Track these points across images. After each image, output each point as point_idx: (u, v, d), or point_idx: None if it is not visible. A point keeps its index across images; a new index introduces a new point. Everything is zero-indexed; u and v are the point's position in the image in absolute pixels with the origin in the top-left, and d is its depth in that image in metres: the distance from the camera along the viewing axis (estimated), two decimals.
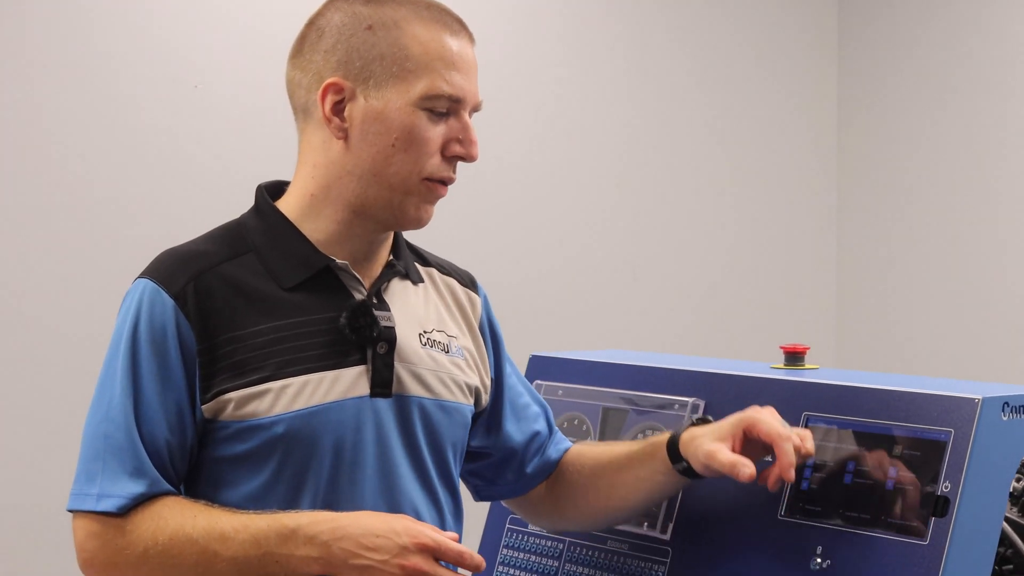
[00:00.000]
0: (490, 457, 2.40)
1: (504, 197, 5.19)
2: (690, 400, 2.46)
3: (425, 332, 2.21)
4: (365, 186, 2.09)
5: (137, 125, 4.39)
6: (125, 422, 2.02)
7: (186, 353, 2.04)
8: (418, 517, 2.15)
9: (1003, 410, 2.11)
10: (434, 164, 2.10)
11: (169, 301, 2.05)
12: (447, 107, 2.10)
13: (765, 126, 5.99)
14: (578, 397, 2.64)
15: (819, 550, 2.19)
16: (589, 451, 2.43)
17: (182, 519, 2.00)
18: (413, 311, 2.21)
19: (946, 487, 2.08)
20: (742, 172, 5.94)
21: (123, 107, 4.37)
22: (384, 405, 2.13)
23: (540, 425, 2.43)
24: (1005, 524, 2.35)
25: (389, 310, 2.15)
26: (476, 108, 2.15)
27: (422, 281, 2.26)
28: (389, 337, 2.13)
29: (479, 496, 2.48)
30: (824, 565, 2.17)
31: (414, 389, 2.17)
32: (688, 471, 2.26)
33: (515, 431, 2.39)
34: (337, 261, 2.13)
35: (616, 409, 2.58)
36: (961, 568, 2.06)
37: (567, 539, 2.53)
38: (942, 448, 2.10)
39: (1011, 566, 2.40)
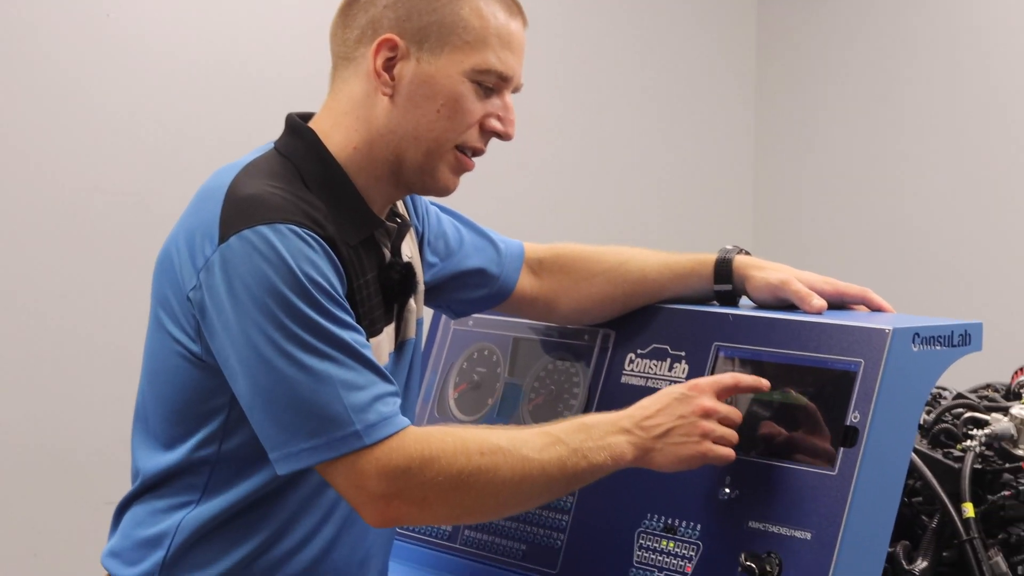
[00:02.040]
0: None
1: None
2: (600, 330, 2.44)
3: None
4: (405, 147, 2.09)
5: (41, 55, 4.28)
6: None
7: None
8: None
9: (913, 341, 2.10)
10: (471, 135, 2.11)
11: (321, 243, 1.97)
12: (494, 83, 2.11)
13: (682, 36, 5.95)
14: (488, 328, 2.61)
15: (728, 480, 2.17)
16: (616, 256, 2.45)
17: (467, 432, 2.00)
18: (413, 260, 2.23)
19: (855, 418, 2.07)
20: (661, 84, 5.89)
21: (27, 35, 4.25)
22: (394, 354, 2.18)
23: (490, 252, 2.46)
24: (914, 456, 2.34)
25: (408, 261, 2.18)
26: (517, 89, 2.16)
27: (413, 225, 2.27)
28: (415, 290, 2.19)
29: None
30: (733, 495, 2.16)
31: (410, 331, 2.21)
32: (727, 294, 2.35)
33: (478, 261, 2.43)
34: (387, 224, 2.14)
35: (526, 340, 2.55)
36: (869, 499, 2.05)
37: None
38: (852, 379, 2.09)
39: (920, 498, 2.40)
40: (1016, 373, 2.72)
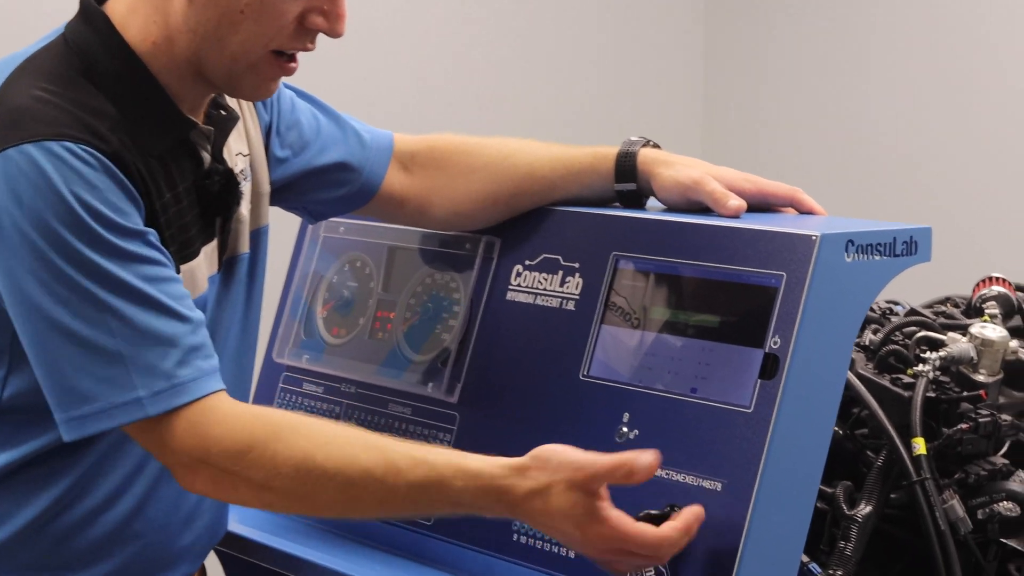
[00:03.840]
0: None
1: None
2: (483, 237, 2.08)
3: (241, 173, 1.93)
4: (206, 51, 1.77)
5: None
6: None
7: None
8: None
9: (847, 250, 1.75)
10: (285, 37, 1.77)
11: (104, 160, 1.65)
12: None
13: None
14: (361, 235, 2.26)
15: (626, 418, 1.83)
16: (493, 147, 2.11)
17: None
18: (234, 159, 1.92)
19: (775, 343, 1.72)
20: None
21: None
22: (220, 275, 1.91)
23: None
24: (858, 383, 2.05)
25: (229, 166, 1.88)
26: None
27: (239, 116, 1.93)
28: (238, 200, 1.89)
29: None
30: (632, 435, 1.82)
31: (242, 246, 1.93)
32: (631, 195, 2.01)
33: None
34: (201, 126, 1.82)
35: (403, 249, 2.19)
36: (792, 438, 1.72)
37: (344, 402, 2.18)
38: (771, 296, 1.74)
39: (865, 430, 2.11)
40: (979, 285, 2.37)
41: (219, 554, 2.13)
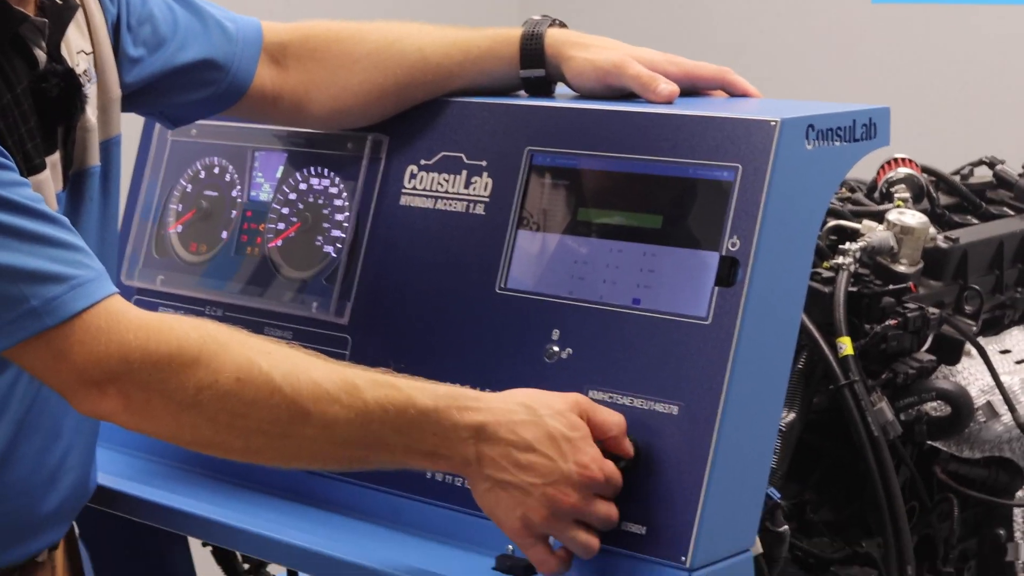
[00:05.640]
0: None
1: None
2: (369, 135, 1.83)
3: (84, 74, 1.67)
4: None
5: None
6: None
7: None
8: None
9: (807, 136, 1.55)
10: None
11: None
12: None
13: None
14: (218, 137, 1.99)
15: (555, 335, 1.62)
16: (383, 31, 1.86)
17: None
18: (75, 58, 1.66)
19: (733, 245, 1.52)
20: None
21: None
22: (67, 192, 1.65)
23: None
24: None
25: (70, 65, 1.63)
26: None
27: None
28: (82, 106, 1.64)
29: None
30: (564, 354, 1.61)
31: (91, 158, 1.68)
32: (538, 82, 1.79)
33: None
34: (33, 18, 1.56)
35: (269, 152, 1.94)
36: (756, 351, 1.53)
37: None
38: (726, 192, 1.54)
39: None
40: (883, 168, 2.21)
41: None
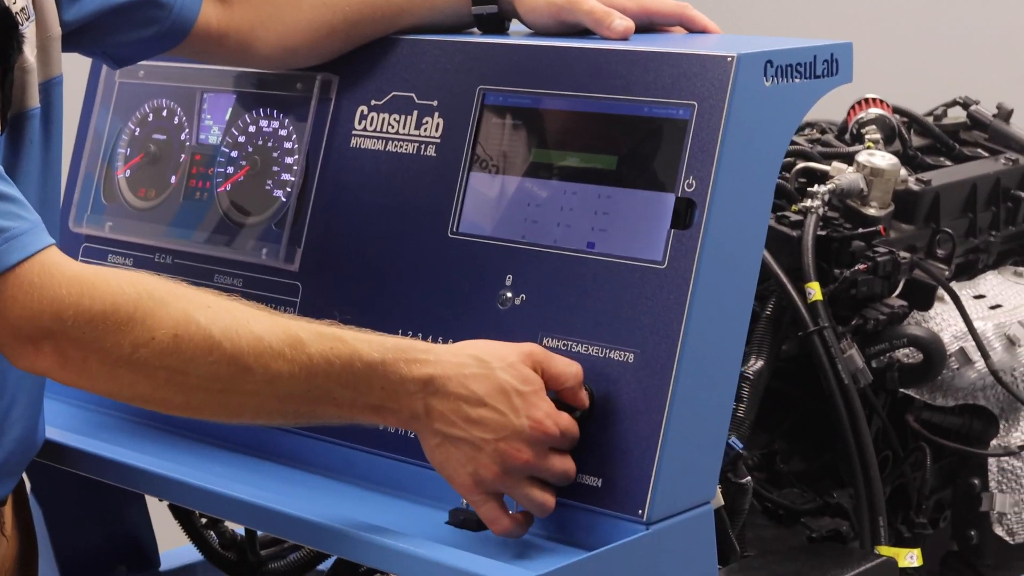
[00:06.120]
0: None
1: None
2: (317, 75, 1.77)
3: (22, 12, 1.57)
4: None
5: None
6: None
7: None
8: None
9: (765, 72, 1.49)
10: None
11: None
12: None
13: None
14: (166, 79, 1.92)
15: (508, 280, 1.56)
16: None
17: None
18: None
19: (689, 186, 1.46)
20: None
21: None
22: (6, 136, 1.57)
23: None
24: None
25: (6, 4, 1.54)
26: None
27: None
28: (20, 46, 1.55)
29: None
30: (518, 300, 1.55)
31: (31, 100, 1.59)
32: (490, 19, 1.74)
33: None
34: None
35: (217, 93, 1.87)
36: (714, 296, 1.47)
37: (159, 275, 1.80)
38: (681, 130, 1.48)
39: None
40: (854, 108, 2.15)
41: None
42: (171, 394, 1.40)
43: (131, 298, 1.36)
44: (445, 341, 1.59)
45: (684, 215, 1.46)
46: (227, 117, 1.85)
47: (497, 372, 1.42)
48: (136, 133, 1.93)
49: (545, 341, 1.52)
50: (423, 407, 1.42)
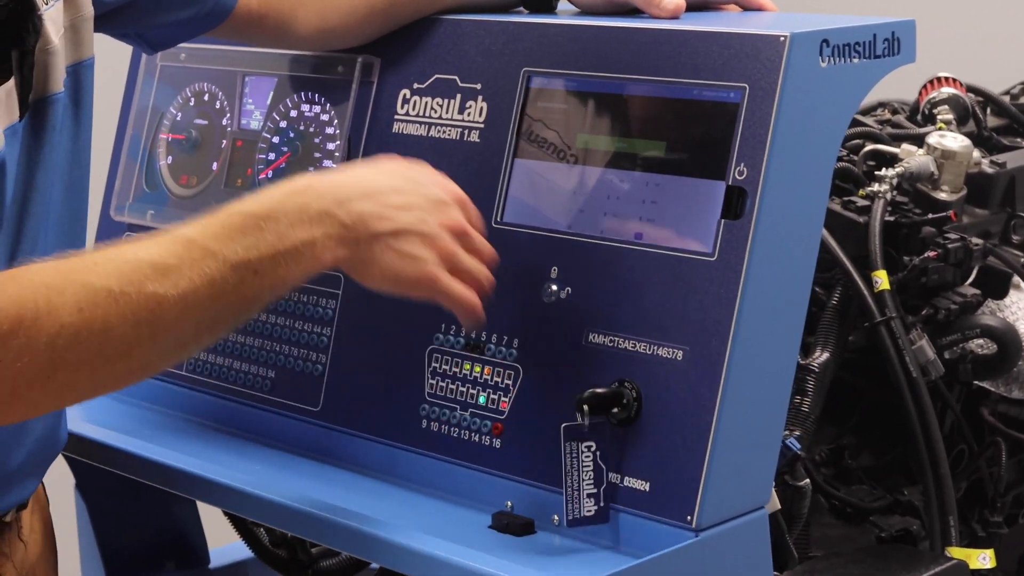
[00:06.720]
0: None
1: None
2: (359, 58, 1.71)
3: None
4: None
5: None
6: None
7: None
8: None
9: (821, 52, 1.41)
10: None
11: None
12: None
13: None
14: (207, 62, 1.87)
15: (554, 273, 1.50)
16: None
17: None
18: None
19: (740, 173, 1.39)
20: None
21: None
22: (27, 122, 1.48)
23: None
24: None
25: None
26: None
27: None
28: (37, 28, 1.45)
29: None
30: (563, 294, 1.48)
31: (54, 84, 1.49)
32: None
33: None
34: None
35: (260, 76, 1.82)
36: (767, 289, 1.40)
37: None
38: (731, 114, 1.40)
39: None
40: (926, 87, 2.06)
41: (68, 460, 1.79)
42: (116, 364, 1.30)
43: (28, 302, 1.28)
44: (488, 337, 1.53)
45: (735, 204, 1.38)
46: (268, 101, 1.80)
47: (378, 171, 1.41)
48: (178, 118, 1.88)
49: (591, 337, 1.45)
50: (346, 215, 1.35)
